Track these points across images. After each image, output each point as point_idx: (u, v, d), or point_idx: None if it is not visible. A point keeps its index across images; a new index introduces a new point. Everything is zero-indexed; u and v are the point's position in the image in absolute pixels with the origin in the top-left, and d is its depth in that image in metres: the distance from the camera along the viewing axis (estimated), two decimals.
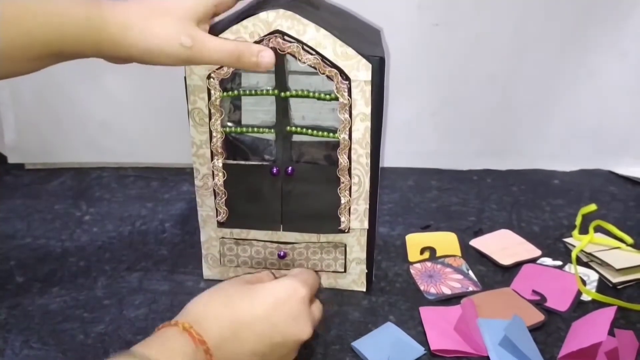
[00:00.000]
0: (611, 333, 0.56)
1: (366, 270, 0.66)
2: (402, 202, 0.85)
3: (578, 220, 0.78)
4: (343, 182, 0.61)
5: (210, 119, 0.61)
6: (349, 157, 0.60)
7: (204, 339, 0.48)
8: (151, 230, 0.78)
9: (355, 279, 0.66)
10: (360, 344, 0.59)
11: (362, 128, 0.59)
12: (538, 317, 0.61)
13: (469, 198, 0.86)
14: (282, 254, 0.65)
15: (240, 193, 0.63)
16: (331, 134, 0.60)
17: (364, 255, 0.65)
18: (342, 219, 0.63)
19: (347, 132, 0.59)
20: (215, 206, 0.64)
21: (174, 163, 0.92)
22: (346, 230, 0.63)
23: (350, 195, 0.62)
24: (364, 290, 0.66)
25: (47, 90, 0.89)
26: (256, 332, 0.51)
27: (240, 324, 0.51)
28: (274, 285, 0.54)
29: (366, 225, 0.63)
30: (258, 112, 0.63)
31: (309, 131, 0.61)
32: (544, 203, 0.84)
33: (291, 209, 0.63)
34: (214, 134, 0.61)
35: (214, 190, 0.63)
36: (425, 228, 0.79)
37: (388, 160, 0.91)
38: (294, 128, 0.61)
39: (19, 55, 0.48)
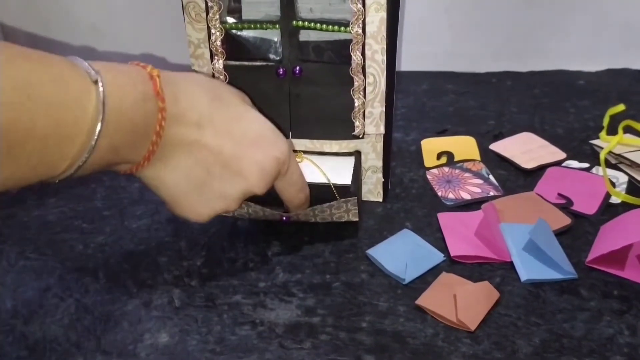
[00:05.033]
0: None
1: (383, 180, 0.62)
2: (416, 106, 0.80)
3: (605, 121, 0.73)
4: (357, 83, 0.56)
5: (207, 13, 0.55)
6: (363, 54, 0.55)
7: (164, 97, 0.42)
8: None
9: (371, 189, 0.62)
10: (376, 252, 0.56)
11: (377, 20, 0.53)
12: (564, 220, 0.58)
13: (488, 102, 0.81)
14: (286, 219, 0.57)
15: None
16: (342, 28, 0.55)
17: (380, 163, 0.61)
18: (357, 123, 0.58)
19: (361, 25, 0.54)
20: None
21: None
22: (360, 136, 0.59)
23: (364, 97, 0.57)
24: (381, 200, 0.63)
25: None
26: (225, 129, 0.46)
27: (215, 113, 0.46)
28: (270, 125, 0.50)
29: (382, 129, 0.59)
30: (261, 5, 0.57)
31: (318, 25, 0.55)
32: (569, 105, 0.79)
33: (300, 114, 0.59)
34: (212, 30, 0.56)
35: None
36: (442, 132, 0.74)
37: (399, 62, 0.86)
38: (300, 22, 0.56)
39: None
